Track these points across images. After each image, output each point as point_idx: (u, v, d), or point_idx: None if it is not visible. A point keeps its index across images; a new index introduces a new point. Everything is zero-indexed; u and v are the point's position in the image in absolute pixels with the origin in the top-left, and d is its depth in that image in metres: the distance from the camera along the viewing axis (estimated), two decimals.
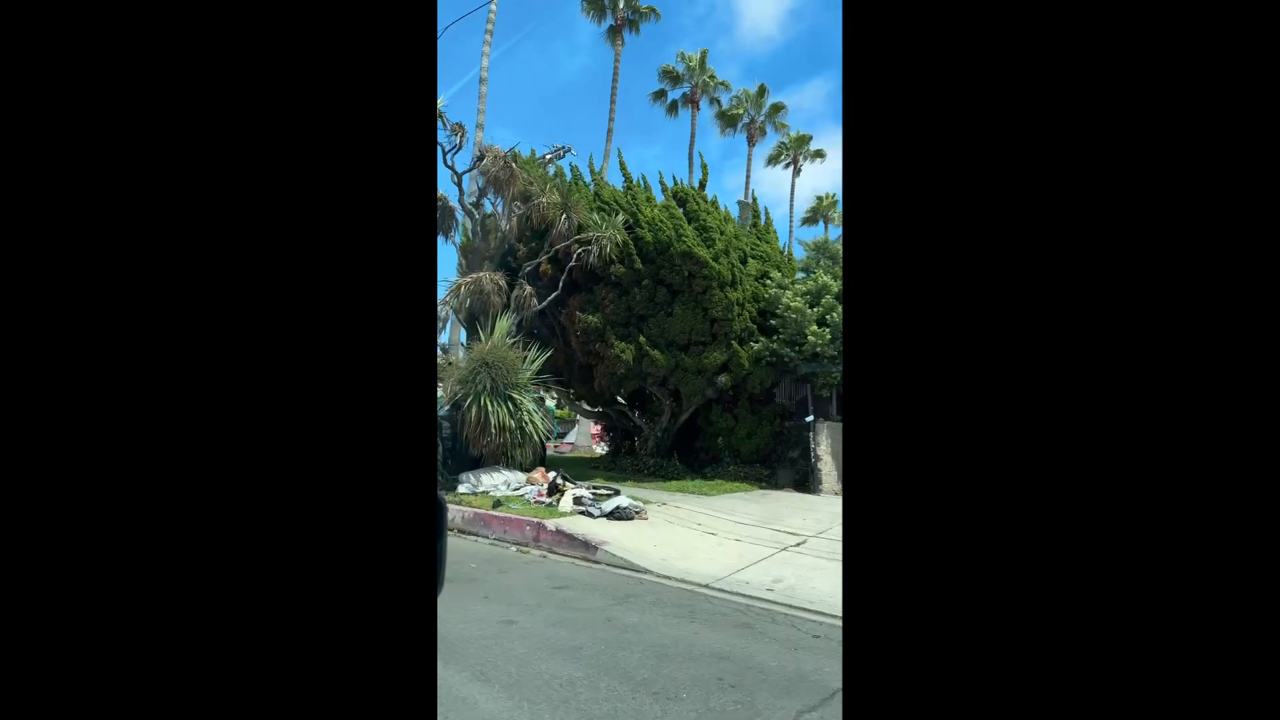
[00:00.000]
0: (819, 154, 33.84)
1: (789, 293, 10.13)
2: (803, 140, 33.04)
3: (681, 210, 10.38)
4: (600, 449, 19.89)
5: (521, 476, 8.42)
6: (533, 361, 8.56)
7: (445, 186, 10.96)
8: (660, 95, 28.19)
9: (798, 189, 46.01)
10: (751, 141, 30.82)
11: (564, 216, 9.31)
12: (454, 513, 7.17)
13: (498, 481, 8.11)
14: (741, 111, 30.06)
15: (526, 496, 7.61)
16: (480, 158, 8.81)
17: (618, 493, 7.98)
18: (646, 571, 5.29)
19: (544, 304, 9.47)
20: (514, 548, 6.19)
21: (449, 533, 6.87)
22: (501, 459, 8.60)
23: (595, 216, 9.65)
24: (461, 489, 7.89)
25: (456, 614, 3.77)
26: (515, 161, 8.83)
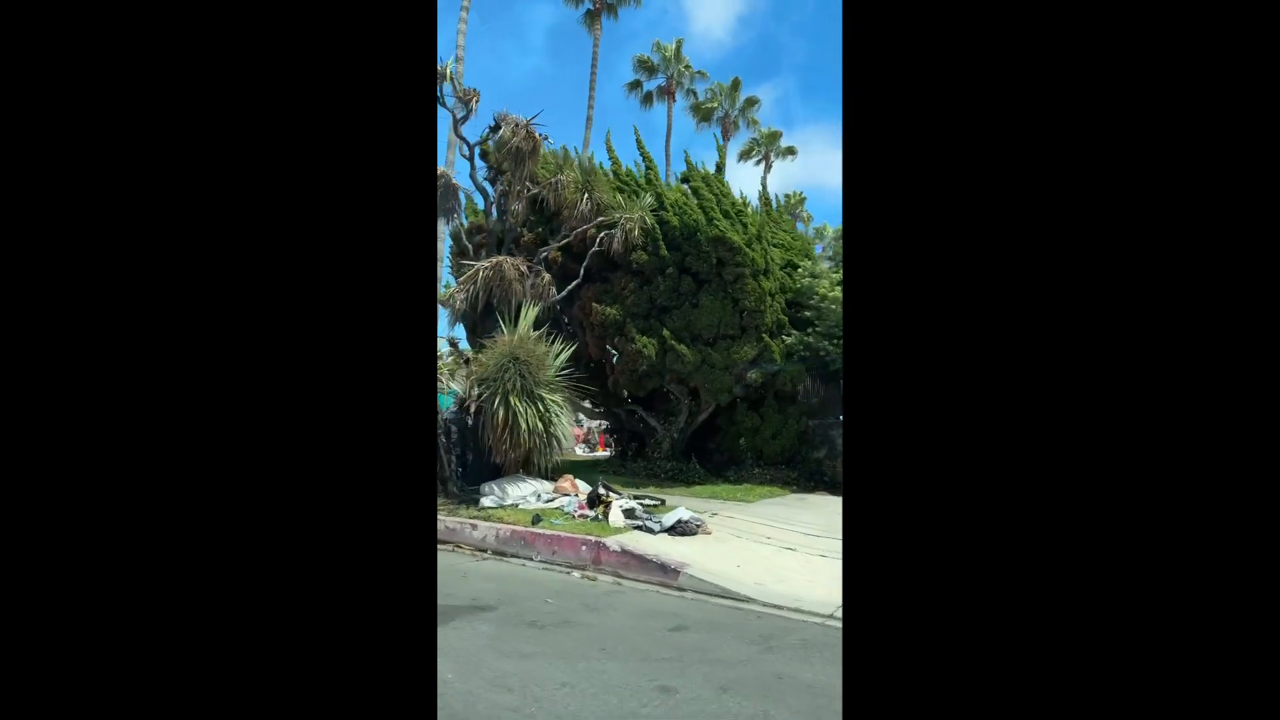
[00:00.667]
0: (790, 150, 33.56)
1: (824, 282, 9.46)
2: (774, 136, 32.67)
3: (705, 194, 9.58)
4: (580, 450, 18.94)
5: (548, 486, 7.49)
6: (557, 356, 7.62)
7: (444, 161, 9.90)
8: (635, 86, 27.38)
9: (763, 188, 45.91)
10: (726, 136, 30.23)
11: (585, 197, 8.40)
12: (485, 531, 6.21)
13: (526, 492, 7.15)
14: (716, 105, 29.47)
15: (564, 509, 6.69)
16: (495, 127, 7.83)
17: (662, 502, 7.14)
18: (749, 600, 4.48)
19: (565, 293, 8.54)
20: (576, 573, 5.28)
21: (484, 555, 5.93)
22: (523, 466, 7.64)
23: (619, 197, 8.76)
24: (486, 502, 6.91)
25: (590, 679, 2.88)
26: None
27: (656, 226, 8.86)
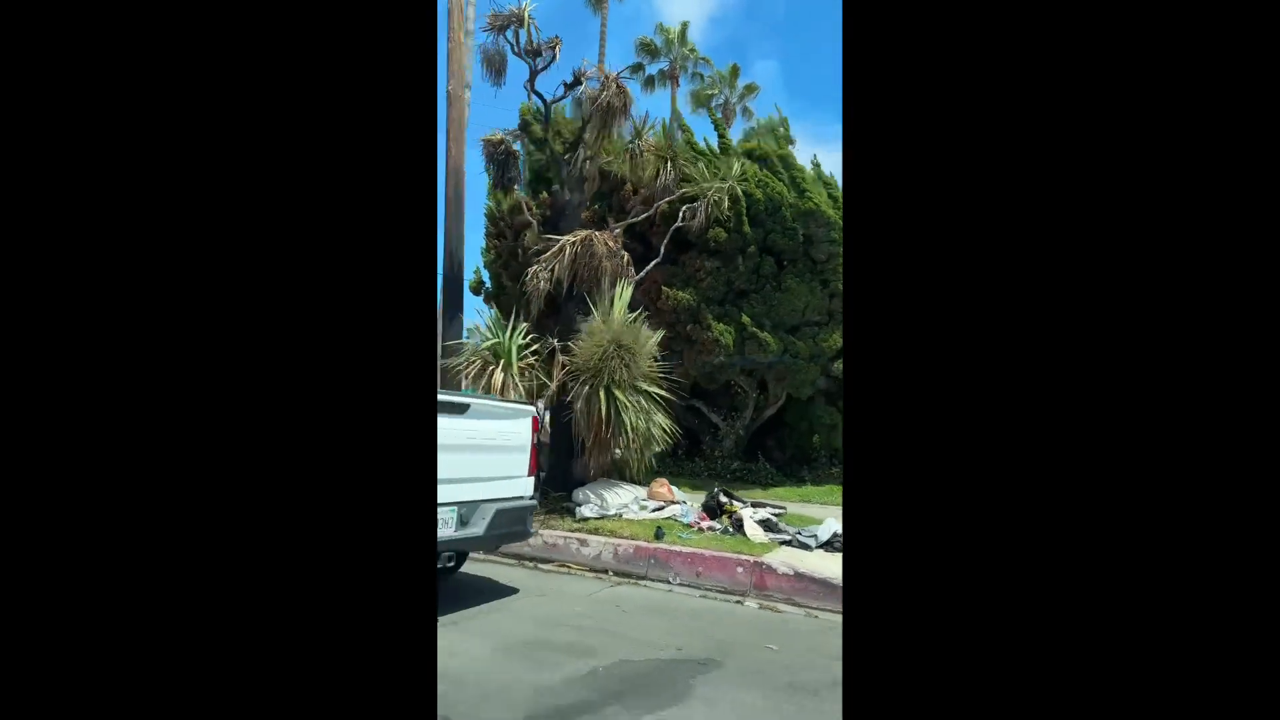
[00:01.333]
0: (789, 141, 32.88)
1: None
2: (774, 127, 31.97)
3: (794, 165, 8.69)
4: None
5: (642, 491, 6.55)
6: (647, 341, 6.65)
7: (491, 118, 8.73)
8: (638, 69, 26.33)
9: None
10: (727, 123, 29.41)
11: (667, 166, 7.44)
12: (598, 547, 5.25)
13: (626, 500, 6.20)
14: (715, 91, 28.60)
15: (680, 519, 5.76)
16: (576, 82, 6.81)
17: (784, 510, 6.26)
18: None
19: (643, 273, 7.58)
20: (750, 601, 4.35)
21: (605, 577, 4.98)
22: (611, 471, 6.69)
23: (701, 167, 7.83)
24: (585, 511, 5.94)
25: None
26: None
27: (743, 198, 7.95)
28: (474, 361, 5.98)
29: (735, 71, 29.15)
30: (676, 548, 5.03)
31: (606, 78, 6.51)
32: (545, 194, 9.36)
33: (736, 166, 7.83)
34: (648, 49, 26.10)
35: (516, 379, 5.85)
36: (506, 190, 8.06)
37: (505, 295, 10.21)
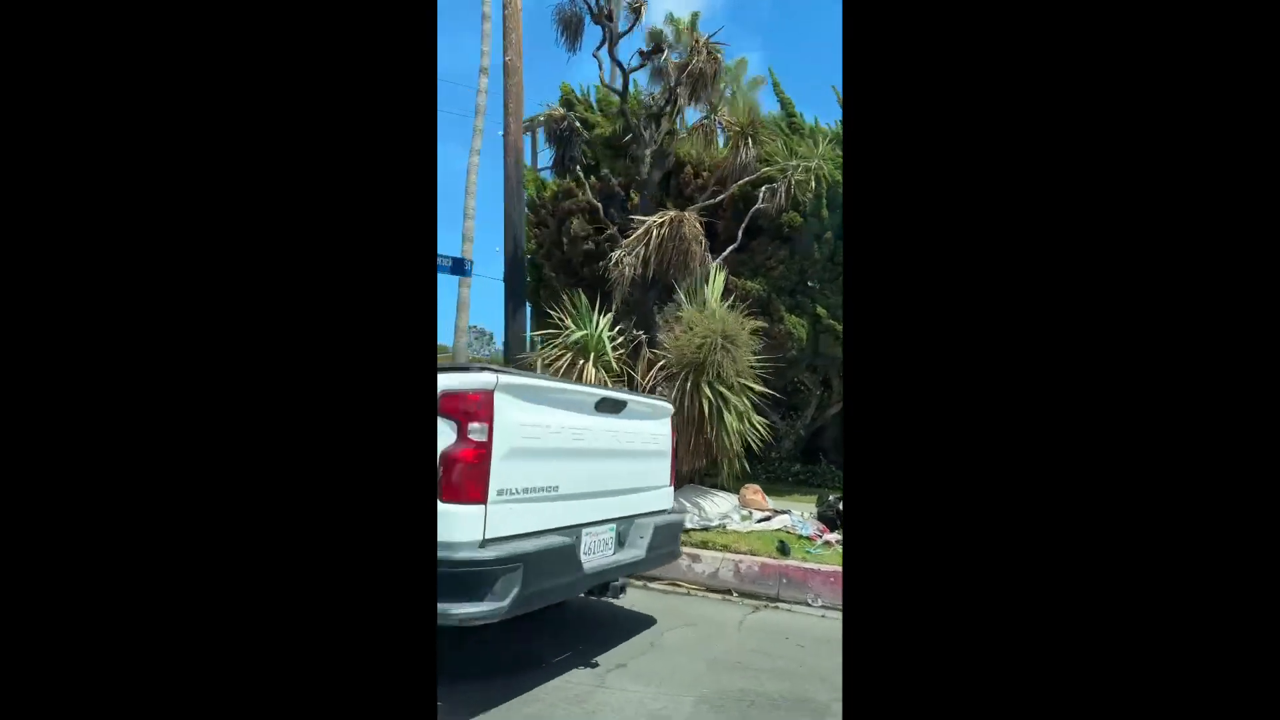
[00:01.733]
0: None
1: None
2: None
3: None
4: None
5: (735, 499, 5.95)
6: (746, 333, 6.01)
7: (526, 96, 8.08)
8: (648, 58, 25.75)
9: None
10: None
11: (747, 142, 6.84)
12: (713, 564, 4.65)
13: (725, 509, 5.59)
14: (724, 84, 28.10)
15: (796, 531, 5.15)
16: (654, 49, 6.20)
17: None
18: None
19: (718, 259, 6.98)
20: None
21: (731, 599, 4.36)
22: (695, 476, 6.09)
23: (780, 145, 7.23)
24: (685, 522, 5.31)
25: None
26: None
27: (826, 179, 7.35)
28: (563, 355, 5.34)
29: (742, 65, 28.67)
30: (811, 565, 4.43)
31: (697, 42, 5.92)
32: (595, 179, 8.74)
33: (822, 144, 7.23)
34: (657, 39, 25.50)
35: (608, 374, 5.22)
36: (568, 170, 7.43)
37: (545, 287, 9.60)
